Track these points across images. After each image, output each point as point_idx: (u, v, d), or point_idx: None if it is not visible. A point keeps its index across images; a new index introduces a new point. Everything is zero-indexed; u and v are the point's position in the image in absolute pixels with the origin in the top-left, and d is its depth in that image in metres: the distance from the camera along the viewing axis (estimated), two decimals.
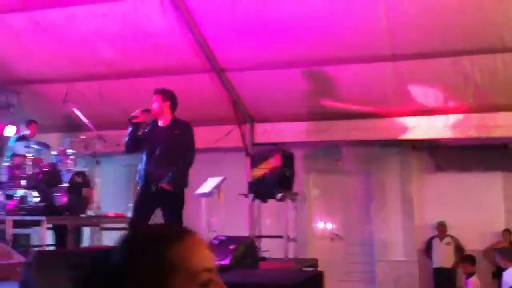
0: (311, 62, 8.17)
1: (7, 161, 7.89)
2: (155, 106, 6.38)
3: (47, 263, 3.61)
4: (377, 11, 6.86)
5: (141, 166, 6.40)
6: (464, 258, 8.85)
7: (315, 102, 8.92)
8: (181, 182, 6.37)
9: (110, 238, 8.65)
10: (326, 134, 9.40)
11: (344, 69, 8.12)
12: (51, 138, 9.65)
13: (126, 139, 6.46)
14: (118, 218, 8.51)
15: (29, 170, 7.53)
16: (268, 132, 9.66)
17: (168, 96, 6.43)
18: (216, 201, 7.52)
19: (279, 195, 8.42)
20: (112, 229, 8.71)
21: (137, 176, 6.48)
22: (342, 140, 9.56)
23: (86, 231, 8.83)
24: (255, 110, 9.50)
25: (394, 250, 10.35)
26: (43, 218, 6.81)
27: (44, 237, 6.83)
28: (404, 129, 8.95)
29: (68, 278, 3.62)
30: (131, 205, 8.69)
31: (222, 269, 6.04)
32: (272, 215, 9.70)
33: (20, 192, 7.41)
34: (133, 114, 6.38)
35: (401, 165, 10.57)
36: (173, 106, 6.44)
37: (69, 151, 7.86)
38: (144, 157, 6.39)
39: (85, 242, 8.80)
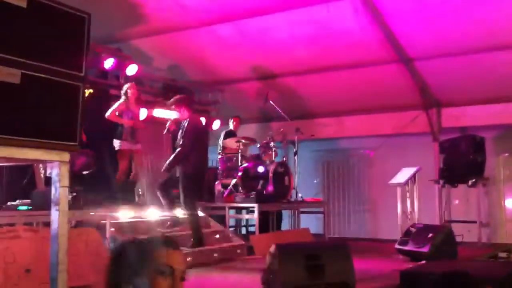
0: (499, 46, 8.04)
1: (220, 154, 9.05)
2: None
3: (287, 253, 4.34)
4: None
5: None
6: None
7: (505, 85, 8.78)
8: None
9: (306, 220, 9.48)
10: None
11: None
12: (251, 128, 10.75)
13: None
14: (315, 203, 9.29)
15: (238, 162, 8.59)
16: (456, 117, 9.69)
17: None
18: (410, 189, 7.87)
19: (471, 181, 8.51)
20: (309, 212, 9.52)
21: None
22: None
23: (286, 214, 9.71)
24: (442, 95, 9.59)
25: None
26: (255, 205, 7.77)
27: (257, 221, 7.77)
28: None
29: (304, 267, 4.34)
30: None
31: (421, 256, 6.43)
32: (461, 199, 9.74)
33: (233, 181, 8.48)
34: None
35: None
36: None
37: (271, 144, 8.75)
38: None
39: (285, 225, 9.72)
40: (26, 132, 2.63)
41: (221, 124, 10.12)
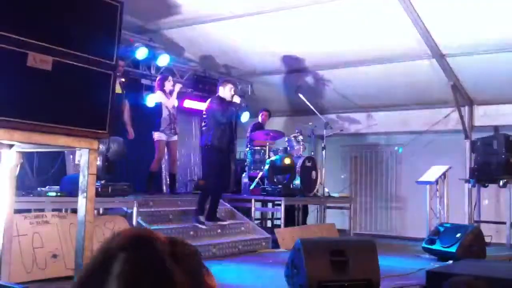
0: None
1: (248, 147, 9.05)
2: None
3: (312, 248, 4.31)
4: None
5: None
6: None
7: None
8: None
9: (332, 216, 9.43)
10: None
11: None
12: (279, 121, 10.73)
13: None
14: (342, 198, 9.22)
15: (266, 155, 8.57)
16: (488, 115, 9.51)
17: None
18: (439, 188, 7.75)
19: (502, 181, 8.35)
20: (335, 208, 9.47)
21: None
22: None
23: (312, 208, 9.67)
24: (475, 93, 9.41)
25: None
26: (281, 198, 7.75)
27: (282, 215, 7.75)
28: None
29: (328, 262, 4.31)
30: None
31: (448, 256, 6.34)
32: (491, 200, 9.57)
33: (260, 174, 8.47)
34: None
35: None
36: None
37: (300, 138, 8.71)
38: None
39: (311, 219, 9.68)
40: (56, 119, 2.65)
41: (250, 117, 10.12)
